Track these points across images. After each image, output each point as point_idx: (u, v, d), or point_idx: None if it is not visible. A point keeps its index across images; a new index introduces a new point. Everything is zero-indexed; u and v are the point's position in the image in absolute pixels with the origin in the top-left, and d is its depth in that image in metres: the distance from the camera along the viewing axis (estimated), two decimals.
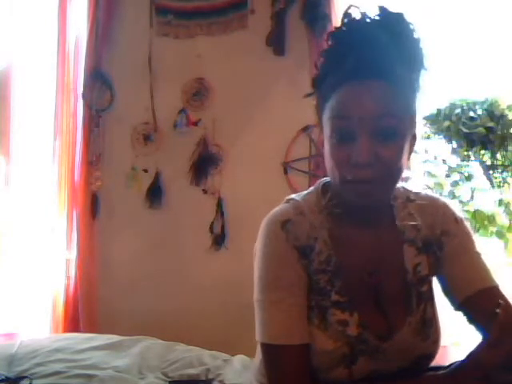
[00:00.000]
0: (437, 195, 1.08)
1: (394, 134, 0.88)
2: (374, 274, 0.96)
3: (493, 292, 0.97)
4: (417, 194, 1.05)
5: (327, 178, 1.01)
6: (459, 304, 0.98)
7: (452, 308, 1.01)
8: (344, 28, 0.93)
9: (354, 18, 0.92)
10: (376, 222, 0.99)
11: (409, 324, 0.96)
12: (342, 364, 0.92)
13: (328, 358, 0.93)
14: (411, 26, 0.91)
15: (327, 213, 0.98)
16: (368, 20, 0.91)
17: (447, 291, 1.01)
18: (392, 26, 0.90)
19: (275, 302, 0.93)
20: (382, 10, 0.91)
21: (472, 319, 0.98)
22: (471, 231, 1.04)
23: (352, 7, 0.92)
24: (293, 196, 1.02)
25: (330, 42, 0.94)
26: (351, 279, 0.96)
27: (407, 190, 1.04)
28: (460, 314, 1.01)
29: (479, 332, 0.96)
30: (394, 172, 0.90)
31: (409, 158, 0.94)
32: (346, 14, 0.92)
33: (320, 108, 0.95)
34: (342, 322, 0.93)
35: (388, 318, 0.96)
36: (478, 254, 1.01)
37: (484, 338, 0.90)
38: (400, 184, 1.02)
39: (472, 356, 0.88)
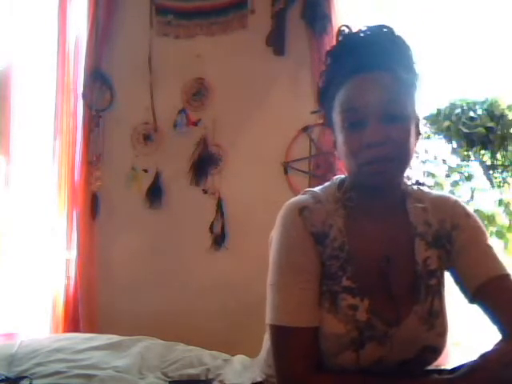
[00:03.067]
0: (448, 194, 1.12)
1: (401, 118, 0.94)
2: (385, 261, 0.99)
3: (504, 280, 0.98)
4: (429, 192, 1.09)
5: (343, 175, 1.06)
6: (472, 295, 0.99)
7: (467, 301, 1.02)
8: (340, 45, 1.00)
9: (349, 33, 1.00)
10: (388, 215, 1.02)
11: (415, 312, 0.98)
12: (350, 348, 0.94)
13: (337, 342, 0.95)
14: (401, 38, 0.98)
15: (342, 204, 1.02)
16: (362, 34, 0.98)
17: (460, 284, 1.03)
18: (383, 35, 0.97)
19: (287, 286, 0.96)
20: (371, 26, 0.98)
21: (486, 309, 0.98)
22: (482, 225, 1.06)
23: (343, 27, 1.00)
24: (311, 188, 1.06)
25: (328, 61, 1.01)
26: (363, 266, 0.98)
27: (420, 190, 1.08)
28: (467, 310, 1.03)
29: (494, 324, 0.96)
30: (405, 151, 0.95)
31: (415, 144, 0.99)
32: (340, 32, 1.00)
33: (328, 107, 1.01)
34: (352, 307, 0.95)
35: (397, 305, 0.97)
36: (488, 246, 1.03)
37: (500, 341, 0.89)
38: (414, 185, 1.08)
39: (482, 360, 0.87)
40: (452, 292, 1.05)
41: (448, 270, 1.05)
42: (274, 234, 1.01)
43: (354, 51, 0.95)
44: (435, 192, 1.10)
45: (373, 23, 0.99)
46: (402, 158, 0.95)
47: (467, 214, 1.05)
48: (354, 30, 1.00)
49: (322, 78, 1.02)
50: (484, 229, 1.05)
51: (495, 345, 0.89)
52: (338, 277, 0.97)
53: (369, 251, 0.99)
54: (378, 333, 0.95)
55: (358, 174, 0.96)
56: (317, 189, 1.06)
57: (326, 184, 1.07)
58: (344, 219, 1.00)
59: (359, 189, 1.00)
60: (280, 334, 0.96)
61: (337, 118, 0.97)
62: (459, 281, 1.03)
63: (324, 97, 1.02)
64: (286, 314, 0.95)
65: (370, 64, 0.93)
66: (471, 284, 0.99)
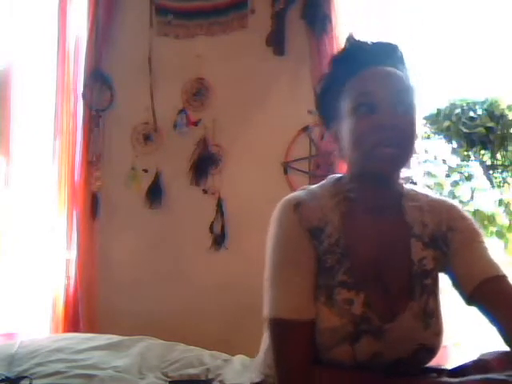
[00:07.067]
0: (445, 198, 1.13)
1: (409, 109, 0.98)
2: (380, 258, 1.00)
3: (500, 281, 0.98)
4: (427, 195, 1.10)
5: (338, 174, 1.08)
6: (469, 297, 1.00)
7: (464, 303, 1.02)
8: (345, 51, 1.05)
9: (356, 41, 1.04)
10: (385, 212, 1.03)
11: (410, 309, 0.98)
12: (346, 342, 0.95)
13: (332, 335, 0.95)
14: (404, 54, 1.03)
15: (339, 199, 1.03)
16: (369, 43, 1.03)
17: (457, 285, 1.03)
18: (389, 49, 1.03)
19: (284, 280, 0.97)
20: (377, 41, 1.03)
21: (484, 310, 0.99)
22: (478, 227, 1.06)
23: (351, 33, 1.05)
24: (307, 186, 1.08)
25: (331, 67, 1.06)
26: (358, 262, 0.99)
27: (417, 191, 1.09)
28: (467, 311, 1.03)
29: (492, 323, 0.97)
30: (411, 142, 0.97)
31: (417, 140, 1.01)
32: (348, 38, 1.05)
33: (333, 100, 1.03)
34: (347, 301, 0.96)
35: (392, 300, 0.98)
36: (484, 247, 1.03)
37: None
38: (410, 186, 1.09)
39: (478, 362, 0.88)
40: (452, 292, 1.05)
41: (444, 271, 1.05)
42: (270, 230, 1.02)
43: (362, 53, 1.00)
44: (432, 195, 1.11)
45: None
46: (408, 147, 0.97)
47: (463, 217, 1.06)
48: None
49: (322, 83, 1.06)
50: (480, 230, 1.05)
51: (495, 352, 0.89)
52: (334, 271, 0.98)
53: (364, 247, 1.00)
54: (373, 327, 0.96)
55: (365, 161, 0.97)
56: (313, 186, 1.07)
57: (323, 182, 1.09)
58: (340, 216, 1.01)
59: (360, 181, 1.01)
60: (278, 327, 0.96)
61: (346, 104, 0.99)
62: (456, 282, 1.03)
63: (330, 89, 1.04)
64: (283, 307, 0.96)
65: (382, 60, 0.99)
66: (467, 285, 1.00)
